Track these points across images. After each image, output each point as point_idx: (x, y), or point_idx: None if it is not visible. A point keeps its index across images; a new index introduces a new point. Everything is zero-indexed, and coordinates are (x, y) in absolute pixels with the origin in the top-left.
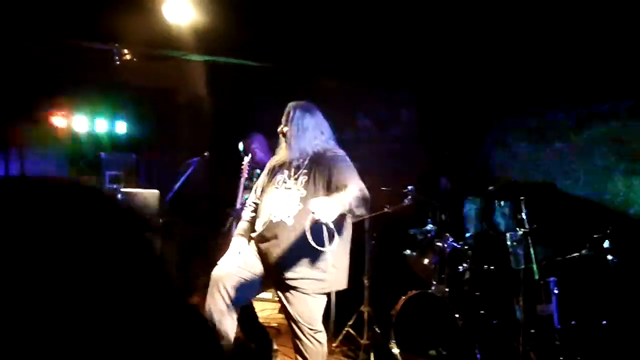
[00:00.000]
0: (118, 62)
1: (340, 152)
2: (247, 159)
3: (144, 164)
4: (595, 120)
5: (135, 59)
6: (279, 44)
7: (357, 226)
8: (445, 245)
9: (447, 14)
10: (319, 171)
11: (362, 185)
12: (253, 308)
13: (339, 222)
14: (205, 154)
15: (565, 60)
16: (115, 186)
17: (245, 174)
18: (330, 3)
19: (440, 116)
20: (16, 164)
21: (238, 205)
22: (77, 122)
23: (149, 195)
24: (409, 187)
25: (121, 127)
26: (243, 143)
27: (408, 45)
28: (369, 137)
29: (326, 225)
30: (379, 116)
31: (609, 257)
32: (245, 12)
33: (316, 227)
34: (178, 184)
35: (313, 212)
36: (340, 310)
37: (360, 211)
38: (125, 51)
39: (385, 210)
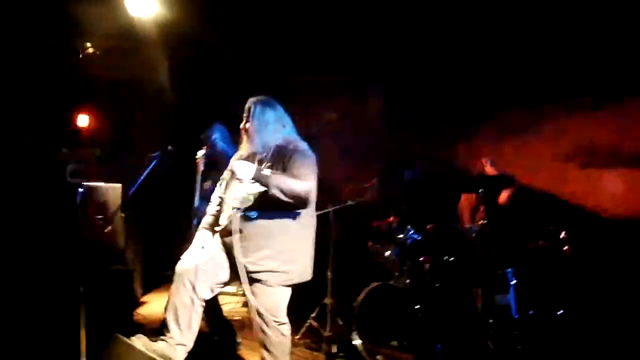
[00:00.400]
0: (81, 56)
1: (302, 146)
2: (201, 153)
3: (107, 158)
4: (556, 114)
5: (98, 52)
6: (244, 38)
7: (321, 218)
8: (407, 237)
9: (413, 6)
10: (281, 164)
11: (308, 186)
12: (217, 301)
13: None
14: (169, 147)
15: (528, 53)
16: (76, 180)
17: (200, 167)
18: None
19: (407, 109)
20: None
21: (196, 202)
22: None
23: (111, 189)
24: (372, 180)
25: (83, 121)
26: (203, 134)
27: (374, 37)
28: (334, 131)
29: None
30: (344, 109)
31: (565, 248)
32: (209, 6)
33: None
34: (140, 178)
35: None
36: (303, 303)
37: (287, 203)
38: (88, 44)
39: (349, 202)
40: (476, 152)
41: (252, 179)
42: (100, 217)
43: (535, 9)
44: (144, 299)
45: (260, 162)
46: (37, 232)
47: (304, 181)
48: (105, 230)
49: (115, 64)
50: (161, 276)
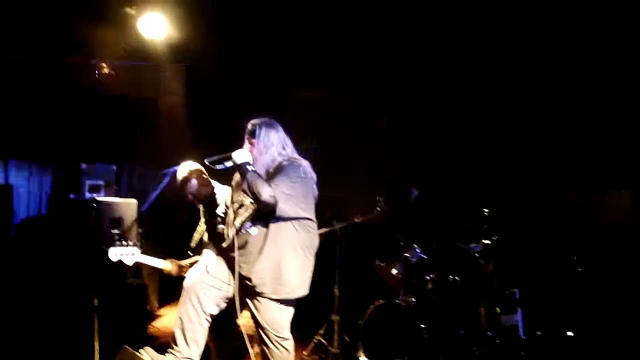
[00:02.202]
0: (98, 76)
1: (294, 163)
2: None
3: (124, 174)
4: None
5: (113, 72)
6: (254, 56)
7: (328, 236)
8: (412, 256)
9: (417, 26)
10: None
11: (271, 192)
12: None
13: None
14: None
15: (537, 69)
16: (94, 195)
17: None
18: (302, 15)
19: (412, 127)
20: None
21: None
22: None
23: (127, 204)
24: (378, 198)
25: (101, 137)
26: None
27: (382, 56)
28: (341, 148)
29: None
30: (351, 127)
31: (575, 269)
32: (219, 26)
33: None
34: (154, 194)
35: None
36: (311, 319)
37: (254, 196)
38: (104, 65)
39: (355, 220)
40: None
41: (239, 163)
42: (116, 231)
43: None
44: (160, 312)
45: None
46: (53, 246)
47: (273, 187)
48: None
49: (130, 82)
50: (177, 290)
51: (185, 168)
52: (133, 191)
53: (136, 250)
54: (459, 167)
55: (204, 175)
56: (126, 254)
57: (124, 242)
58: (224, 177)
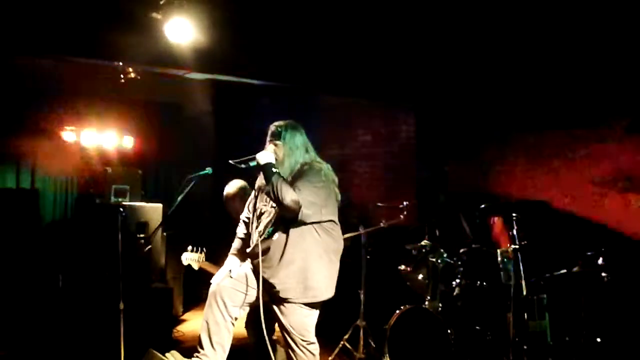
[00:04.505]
0: (123, 80)
1: (315, 166)
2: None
3: (150, 178)
4: (591, 138)
5: (139, 77)
6: (280, 62)
7: (354, 241)
8: (439, 261)
9: (446, 31)
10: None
11: (296, 197)
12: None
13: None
14: (207, 169)
15: (563, 78)
16: (120, 199)
17: None
18: (328, 20)
19: (439, 132)
20: (27, 176)
21: None
22: (86, 137)
23: (152, 209)
24: (405, 203)
25: (128, 142)
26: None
27: (408, 61)
28: (368, 153)
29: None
30: (378, 132)
31: (603, 274)
32: (245, 31)
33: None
34: (179, 199)
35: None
36: (336, 324)
37: (277, 200)
38: (130, 69)
39: (381, 225)
40: (509, 176)
41: (263, 163)
42: (141, 235)
43: (568, 34)
44: (185, 316)
45: None
46: (79, 250)
47: (296, 192)
48: (146, 249)
49: (157, 87)
50: (201, 295)
51: (234, 185)
52: (158, 196)
53: (202, 257)
54: (488, 169)
55: (247, 193)
56: (194, 259)
57: (194, 249)
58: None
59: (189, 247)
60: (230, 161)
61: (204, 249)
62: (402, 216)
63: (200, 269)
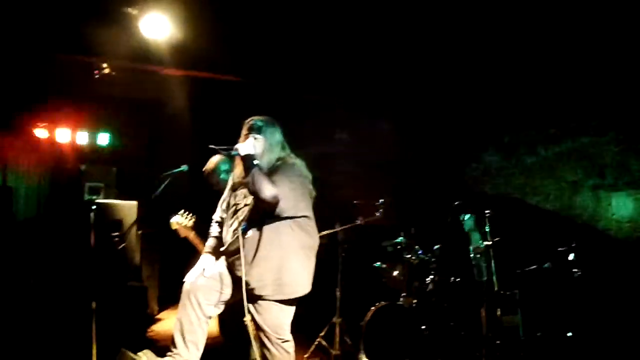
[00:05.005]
0: (97, 76)
1: (289, 162)
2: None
3: (125, 176)
4: (564, 136)
5: (114, 73)
6: (259, 59)
7: (330, 238)
8: (414, 258)
9: (423, 33)
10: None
11: (275, 192)
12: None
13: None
14: (184, 166)
15: (536, 78)
16: (93, 197)
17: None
18: (308, 18)
19: (416, 130)
20: None
21: None
22: (59, 134)
23: (127, 206)
24: (381, 200)
25: (103, 139)
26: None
27: (386, 61)
28: (347, 151)
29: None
30: (358, 130)
31: (574, 269)
32: (223, 28)
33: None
34: (154, 197)
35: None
36: (313, 321)
37: (256, 193)
38: (105, 65)
39: (358, 222)
40: (483, 174)
41: (244, 154)
42: (115, 233)
43: (542, 35)
44: (160, 315)
45: None
46: (52, 248)
47: (275, 186)
48: (120, 247)
49: (132, 84)
50: (177, 294)
51: (213, 161)
52: (134, 194)
53: (190, 223)
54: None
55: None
56: (181, 224)
57: (184, 214)
58: None
59: (181, 211)
60: (211, 145)
61: (195, 216)
62: (378, 214)
63: (186, 238)
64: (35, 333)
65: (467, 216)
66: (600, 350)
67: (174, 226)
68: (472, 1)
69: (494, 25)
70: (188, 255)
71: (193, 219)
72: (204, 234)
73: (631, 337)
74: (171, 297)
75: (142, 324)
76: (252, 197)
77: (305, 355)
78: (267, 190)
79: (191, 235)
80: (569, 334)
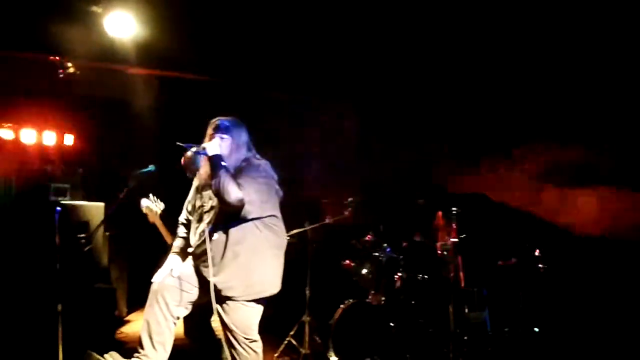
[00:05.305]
0: (62, 75)
1: (254, 162)
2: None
3: (93, 177)
4: (530, 134)
5: (79, 72)
6: (224, 58)
7: (299, 237)
8: (382, 255)
9: (388, 29)
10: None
11: (240, 195)
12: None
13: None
14: (151, 166)
15: (503, 70)
16: (59, 198)
17: None
18: (272, 16)
19: (384, 129)
20: None
21: None
22: (25, 134)
23: (94, 208)
24: (349, 199)
25: (69, 140)
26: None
27: (351, 58)
28: (315, 150)
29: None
30: (326, 129)
31: (540, 265)
32: (188, 27)
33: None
34: (120, 197)
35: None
36: (282, 321)
37: (221, 194)
38: (69, 64)
39: (326, 221)
40: (451, 172)
41: (212, 154)
42: (82, 235)
43: (505, 39)
44: (130, 317)
45: None
46: (15, 249)
47: (240, 189)
48: (86, 249)
49: (98, 83)
50: (147, 295)
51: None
52: (101, 195)
53: (158, 210)
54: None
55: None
56: (151, 208)
57: (155, 200)
58: None
59: (151, 195)
60: (178, 143)
61: (163, 205)
62: (346, 212)
63: (154, 224)
64: (1, 335)
65: (430, 212)
66: (566, 345)
67: (144, 210)
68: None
69: (457, 24)
70: (158, 256)
71: (162, 207)
72: (171, 229)
73: (595, 331)
74: (141, 298)
75: (110, 325)
76: (216, 198)
77: (275, 355)
78: (233, 193)
79: (158, 222)
80: (536, 329)
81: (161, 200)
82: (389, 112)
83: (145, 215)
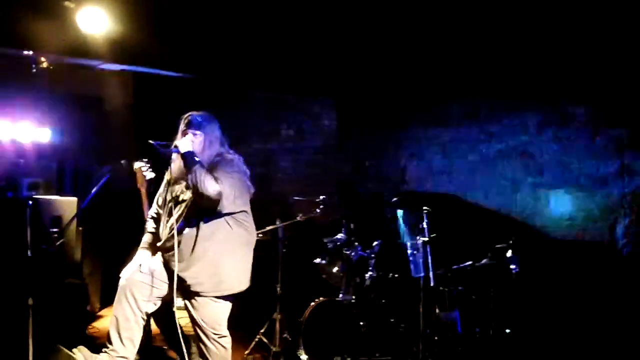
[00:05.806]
0: (35, 70)
1: (227, 157)
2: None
3: (68, 172)
4: (505, 134)
5: (52, 67)
6: (198, 54)
7: (270, 234)
8: (353, 254)
9: (367, 27)
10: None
11: (218, 188)
12: (173, 313)
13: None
14: (122, 162)
15: (477, 76)
16: (32, 193)
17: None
18: (248, 12)
19: (360, 127)
20: None
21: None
22: None
23: (67, 203)
24: (321, 197)
25: (44, 135)
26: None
27: (329, 57)
28: (291, 147)
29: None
30: (301, 127)
31: (512, 266)
32: (162, 22)
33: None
34: (92, 193)
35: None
36: (253, 318)
37: (198, 189)
38: (42, 59)
39: (298, 219)
40: (425, 171)
41: (184, 152)
42: (54, 230)
43: (480, 30)
44: (102, 312)
45: None
46: None
47: (219, 184)
48: (58, 243)
49: (71, 78)
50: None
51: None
52: (76, 190)
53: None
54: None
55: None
56: (144, 173)
57: (147, 165)
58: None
59: (145, 160)
60: (150, 141)
61: (154, 175)
62: (318, 210)
63: (139, 191)
64: None
65: (402, 212)
66: (537, 346)
67: (136, 170)
68: None
69: (430, 18)
70: (132, 251)
71: (152, 176)
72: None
73: (568, 333)
74: (114, 293)
75: (82, 321)
76: (192, 193)
77: (246, 352)
78: (211, 187)
79: (144, 189)
80: (507, 330)
81: (133, 197)
82: (364, 110)
83: (134, 175)
